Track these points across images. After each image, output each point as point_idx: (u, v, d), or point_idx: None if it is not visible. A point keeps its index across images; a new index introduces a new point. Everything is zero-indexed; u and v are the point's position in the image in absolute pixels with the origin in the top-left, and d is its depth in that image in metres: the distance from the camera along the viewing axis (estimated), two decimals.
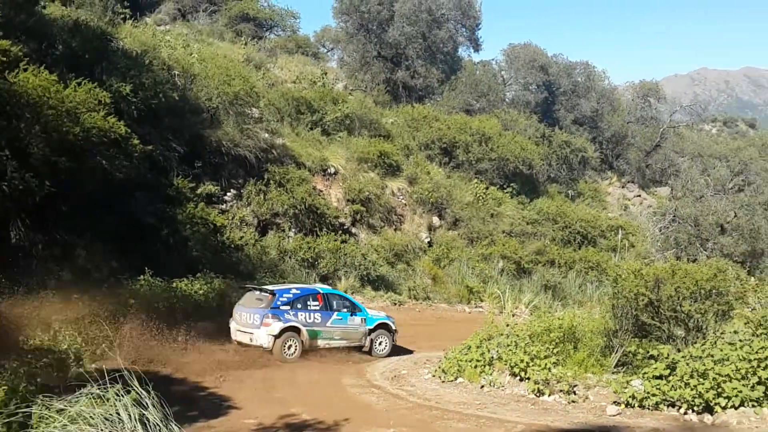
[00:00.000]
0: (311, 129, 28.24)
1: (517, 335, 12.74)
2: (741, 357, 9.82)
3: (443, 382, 12.71)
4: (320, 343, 15.46)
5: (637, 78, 53.33)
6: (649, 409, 9.88)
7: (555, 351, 11.96)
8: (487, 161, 33.96)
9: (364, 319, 16.27)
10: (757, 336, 10.75)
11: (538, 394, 11.05)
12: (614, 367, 12.25)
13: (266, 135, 24.69)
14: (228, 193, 22.43)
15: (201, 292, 16.29)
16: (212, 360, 13.47)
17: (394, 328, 16.84)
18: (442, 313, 23.66)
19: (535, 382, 11.13)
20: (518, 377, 11.78)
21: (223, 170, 22.52)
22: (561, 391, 10.92)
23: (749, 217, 32.39)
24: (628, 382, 10.39)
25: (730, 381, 9.54)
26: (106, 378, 5.60)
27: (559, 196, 38.63)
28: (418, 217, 29.08)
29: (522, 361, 11.67)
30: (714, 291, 11.98)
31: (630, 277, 12.37)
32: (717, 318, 12.00)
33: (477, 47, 46.60)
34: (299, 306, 15.47)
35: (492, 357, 12.61)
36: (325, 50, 47.57)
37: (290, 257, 22.07)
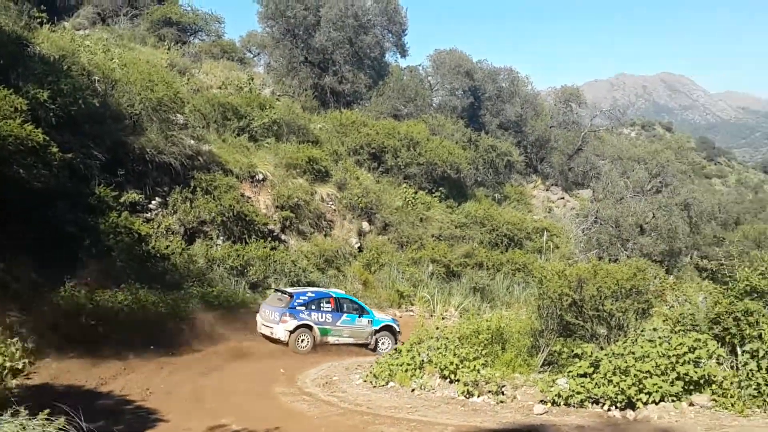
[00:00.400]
0: (238, 135, 27.88)
1: (447, 338, 12.92)
2: (660, 354, 10.20)
3: (375, 387, 12.76)
4: (330, 339, 18.14)
5: (558, 83, 54.77)
6: (574, 406, 10.14)
7: (484, 352, 12.18)
8: (415, 166, 34.26)
9: (371, 321, 18.99)
10: (675, 333, 11.19)
11: (467, 396, 11.21)
12: (541, 367, 12.55)
13: (192, 141, 24.21)
14: (153, 202, 21.85)
15: (125, 303, 15.92)
16: (139, 372, 13.15)
17: (397, 330, 19.26)
18: None
19: (465, 384, 11.29)
20: (448, 379, 11.94)
21: (147, 178, 21.92)
22: (490, 391, 11.11)
23: (667, 217, 33.65)
24: (553, 381, 10.65)
25: (651, 377, 9.89)
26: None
27: (487, 199, 39.33)
28: (348, 223, 29.07)
29: (452, 363, 11.83)
30: (634, 290, 12.42)
31: (554, 278, 12.70)
32: (637, 316, 12.43)
33: (404, 53, 47.08)
34: (313, 307, 18.21)
35: (422, 360, 12.74)
36: (252, 55, 47.10)
37: (219, 265, 21.67)
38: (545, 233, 35.04)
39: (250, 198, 25.25)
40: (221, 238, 22.95)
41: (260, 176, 26.42)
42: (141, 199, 21.17)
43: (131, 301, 16.12)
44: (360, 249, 28.22)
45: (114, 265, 18.01)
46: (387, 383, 12.71)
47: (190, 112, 26.05)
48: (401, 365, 12.76)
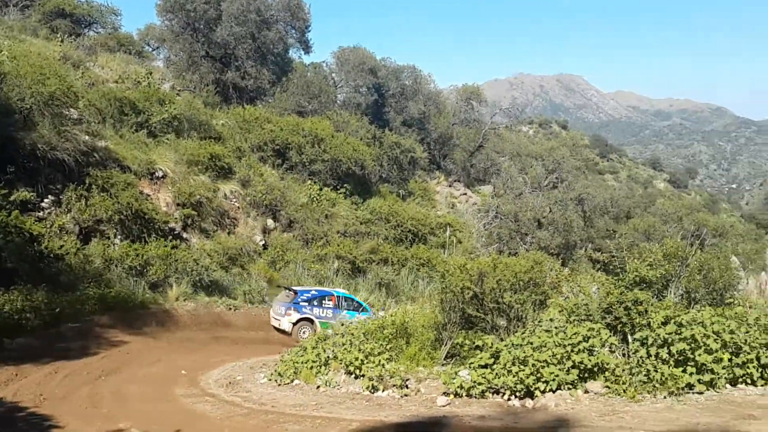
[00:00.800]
0: (136, 131, 27.01)
1: (352, 334, 12.97)
2: (556, 343, 10.57)
3: (279, 385, 12.68)
4: (330, 332, 18.96)
5: (460, 82, 55.86)
6: (476, 397, 10.37)
7: (388, 347, 12.29)
8: (320, 162, 34.18)
9: (368, 317, 19.61)
10: (570, 322, 11.62)
11: (372, 391, 11.31)
12: (444, 359, 12.77)
13: (87, 137, 23.26)
14: (45, 200, 20.85)
15: (18, 306, 15.18)
16: (33, 378, 12.55)
17: None
18: None
19: (370, 379, 11.38)
20: (353, 375, 12.00)
21: (39, 175, 20.88)
22: (394, 385, 11.24)
23: (563, 212, 34.97)
24: (456, 373, 10.86)
25: (548, 366, 10.22)
26: None
27: (391, 195, 39.68)
28: (252, 220, 28.69)
29: (357, 359, 11.90)
30: (531, 282, 12.81)
31: (456, 272, 12.94)
32: (535, 307, 12.82)
33: (307, 49, 46.84)
34: (315, 303, 21.07)
35: (328, 357, 12.75)
36: (150, 49, 45.62)
37: (116, 265, 20.92)
38: (448, 228, 35.69)
39: (149, 196, 24.51)
40: (119, 237, 22.15)
41: (160, 173, 25.69)
42: (32, 198, 20.18)
43: (23, 303, 15.39)
44: (265, 246, 27.91)
45: (5, 267, 17.12)
46: (292, 381, 12.65)
47: (85, 106, 24.99)
48: (306, 362, 12.74)
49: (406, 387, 11.23)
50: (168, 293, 21.07)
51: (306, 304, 20.97)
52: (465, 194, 50.01)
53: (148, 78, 32.31)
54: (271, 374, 13.33)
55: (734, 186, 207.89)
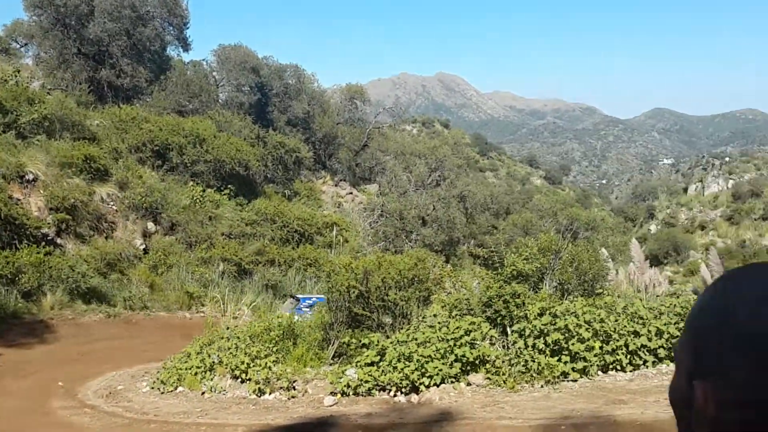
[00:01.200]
0: (4, 132, 25.46)
1: (238, 337, 12.81)
2: (440, 338, 10.88)
3: (163, 393, 12.34)
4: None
5: (344, 81, 56.21)
6: (363, 395, 10.51)
7: (275, 349, 12.23)
8: (202, 163, 33.43)
9: None
10: (452, 317, 11.99)
11: (259, 394, 11.23)
12: (331, 359, 12.86)
13: None
14: None
15: None
16: None
17: None
18: (162, 322, 22.86)
19: (256, 382, 11.29)
20: (240, 379, 11.86)
21: None
22: (281, 388, 11.20)
23: (445, 209, 35.87)
24: (343, 372, 10.97)
25: (432, 361, 10.51)
26: None
27: (277, 196, 39.35)
28: (132, 224, 27.69)
29: (243, 362, 11.76)
30: (415, 279, 13.13)
31: (342, 271, 13.07)
32: (419, 304, 13.15)
33: (186, 47, 45.60)
34: (316, 309, 20.41)
35: (213, 362, 12.53)
36: (18, 46, 43.06)
37: None
38: (335, 228, 35.81)
39: (19, 200, 23.18)
40: None
41: (30, 176, 24.34)
42: None
43: None
44: (145, 251, 27.00)
45: None
46: (176, 388, 12.35)
47: None
48: (190, 368, 12.47)
49: (294, 389, 11.22)
50: (42, 302, 20.02)
51: (308, 309, 21.48)
52: (351, 193, 50.27)
53: (15, 76, 30.52)
54: (154, 382, 12.96)
55: (604, 181, 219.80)
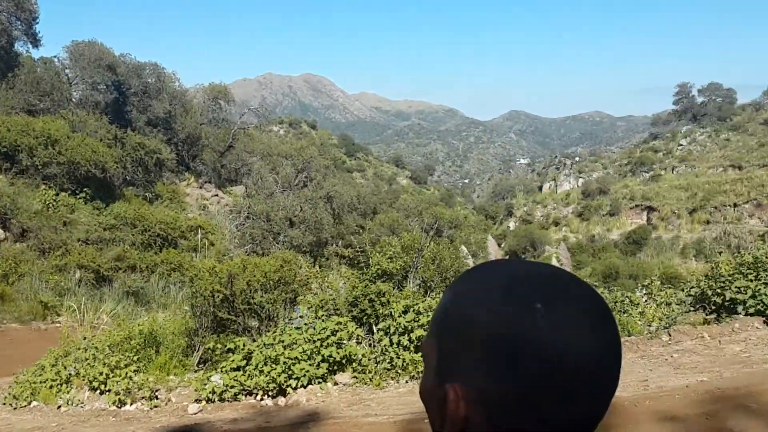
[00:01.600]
0: None
1: (96, 347, 12.31)
2: (306, 339, 10.96)
3: (16, 408, 11.65)
4: None
5: (207, 81, 54.80)
6: (229, 401, 10.40)
7: (136, 358, 11.85)
8: (55, 165, 31.66)
9: None
10: (319, 318, 12.11)
11: (119, 405, 10.85)
12: (196, 366, 12.62)
13: None
14: None
15: None
16: None
17: None
18: (14, 334, 21.47)
19: (116, 393, 10.90)
20: (99, 391, 11.41)
21: None
22: (143, 398, 10.89)
23: (313, 210, 35.95)
24: (208, 378, 10.81)
25: (299, 363, 10.56)
26: None
27: (137, 199, 37.93)
28: None
29: (101, 373, 11.32)
30: (281, 281, 13.13)
31: (205, 275, 12.85)
32: (285, 305, 13.16)
33: (36, 43, 43.00)
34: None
35: (70, 374, 11.97)
36: None
37: None
38: (200, 231, 35.00)
39: None
40: None
41: None
42: None
43: None
44: None
45: None
46: (29, 403, 11.70)
47: None
48: (45, 382, 11.85)
49: (157, 398, 10.93)
50: None
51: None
52: (216, 195, 49.21)
53: None
54: (5, 397, 12.21)
55: (467, 181, 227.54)
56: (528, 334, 0.97)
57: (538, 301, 1.00)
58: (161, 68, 49.87)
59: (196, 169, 50.72)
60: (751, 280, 13.51)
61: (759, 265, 13.84)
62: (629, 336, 12.82)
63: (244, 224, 35.37)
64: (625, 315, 14.42)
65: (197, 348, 12.62)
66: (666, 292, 16.52)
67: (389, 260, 13.88)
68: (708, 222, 61.80)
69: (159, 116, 46.97)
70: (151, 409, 10.63)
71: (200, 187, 49.48)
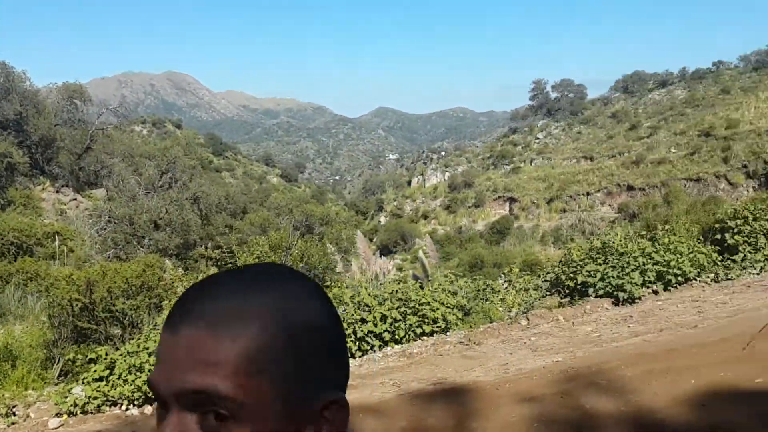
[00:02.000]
0: None
1: None
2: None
3: None
4: None
5: (61, 80, 51.86)
6: (92, 413, 10.04)
7: None
8: None
9: None
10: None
11: None
12: (57, 378, 12.09)
13: None
14: None
15: None
16: None
17: None
18: None
19: None
20: None
21: None
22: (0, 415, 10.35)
23: (179, 212, 35.03)
24: (69, 391, 10.39)
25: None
26: None
27: None
28: None
29: None
30: (145, 286, 12.80)
31: (62, 283, 12.33)
32: (150, 311, 12.84)
33: None
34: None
35: None
36: None
37: None
38: (57, 237, 33.26)
39: None
40: None
41: None
42: None
43: None
44: None
45: None
46: None
47: None
48: None
49: (14, 414, 10.40)
50: None
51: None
52: (75, 200, 46.84)
53: None
54: None
55: (338, 178, 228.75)
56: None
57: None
58: (10, 67, 46.88)
59: (51, 173, 48.05)
60: (600, 264, 14.53)
61: (607, 249, 14.90)
62: (491, 323, 13.45)
63: (105, 229, 33.94)
64: (487, 303, 15.11)
65: (57, 360, 12.09)
66: (524, 279, 17.48)
67: (257, 260, 13.87)
68: (564, 210, 65.57)
69: (9, 118, 44.16)
70: (8, 426, 10.11)
71: (57, 192, 46.89)
